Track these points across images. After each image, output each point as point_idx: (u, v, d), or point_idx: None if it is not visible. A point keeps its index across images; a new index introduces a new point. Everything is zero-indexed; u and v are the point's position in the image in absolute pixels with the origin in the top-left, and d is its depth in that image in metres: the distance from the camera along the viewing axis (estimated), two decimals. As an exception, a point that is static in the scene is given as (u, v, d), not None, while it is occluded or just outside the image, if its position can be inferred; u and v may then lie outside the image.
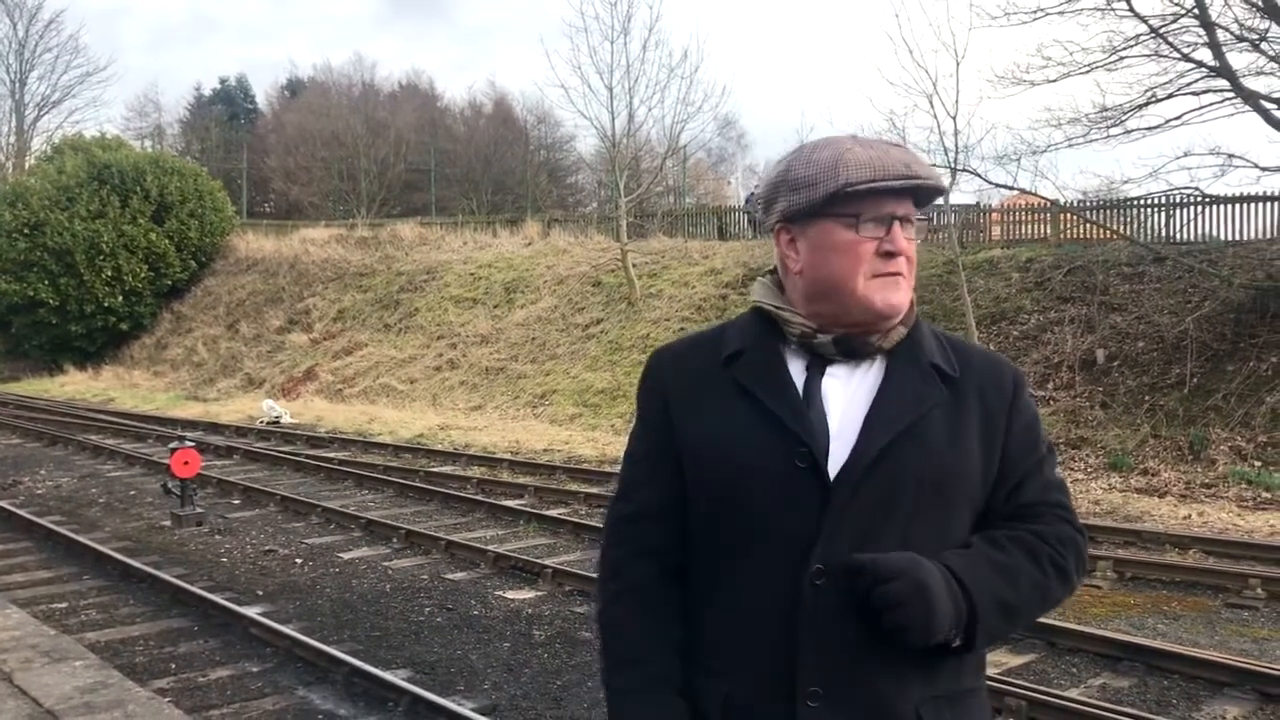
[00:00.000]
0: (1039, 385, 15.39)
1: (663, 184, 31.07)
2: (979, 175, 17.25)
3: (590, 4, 37.37)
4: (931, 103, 16.92)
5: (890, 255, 1.63)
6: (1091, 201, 19.62)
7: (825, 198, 1.62)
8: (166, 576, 8.87)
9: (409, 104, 47.90)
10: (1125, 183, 16.39)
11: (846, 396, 1.64)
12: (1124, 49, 15.18)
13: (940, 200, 1.65)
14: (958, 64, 20.84)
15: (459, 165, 42.33)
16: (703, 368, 1.71)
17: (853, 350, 1.66)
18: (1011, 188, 17.35)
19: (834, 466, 1.59)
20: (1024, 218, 21.17)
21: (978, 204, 21.81)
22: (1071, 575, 1.69)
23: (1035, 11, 15.60)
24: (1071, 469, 13.59)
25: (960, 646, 1.59)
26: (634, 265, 22.91)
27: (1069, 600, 8.25)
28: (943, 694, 1.62)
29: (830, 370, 1.66)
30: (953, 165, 16.73)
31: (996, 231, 21.54)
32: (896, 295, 1.64)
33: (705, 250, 23.72)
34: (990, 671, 6.41)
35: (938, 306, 17.67)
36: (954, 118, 16.55)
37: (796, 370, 1.67)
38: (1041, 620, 7.34)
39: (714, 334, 1.77)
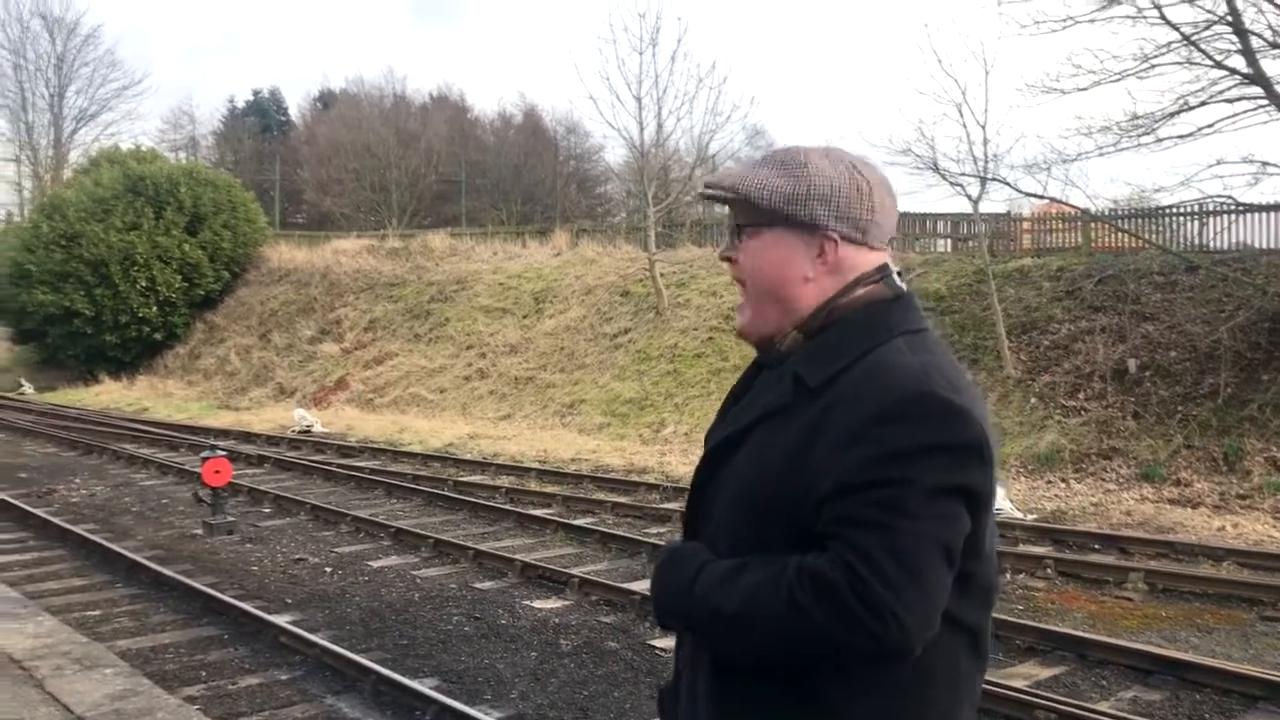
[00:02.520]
0: (1070, 395, 15.27)
1: (691, 193, 31.05)
2: (1008, 184, 17.17)
3: (619, 16, 37.49)
4: (960, 111, 16.91)
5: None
6: (1123, 210, 19.47)
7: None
8: (198, 585, 8.94)
9: (440, 115, 48.19)
10: (1157, 191, 16.18)
11: None
12: (1156, 57, 15.06)
13: (724, 203, 1.74)
14: (986, 73, 20.79)
15: (489, 176, 42.57)
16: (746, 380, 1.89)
17: (769, 358, 1.75)
18: (1042, 196, 17.26)
19: None
20: (1055, 226, 21.04)
21: (1008, 213, 21.71)
22: (808, 611, 1.49)
23: (1065, 20, 15.52)
24: (1103, 479, 13.47)
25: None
26: (662, 275, 22.93)
27: (1099, 612, 8.19)
28: (746, 695, 1.63)
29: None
30: (982, 174, 16.66)
31: (1027, 240, 21.41)
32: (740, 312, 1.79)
33: (734, 260, 23.70)
34: (1019, 684, 6.36)
35: (967, 316, 17.58)
36: (983, 126, 16.56)
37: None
38: (1071, 632, 7.30)
39: None
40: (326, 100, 54.97)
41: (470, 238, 32.02)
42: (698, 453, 1.93)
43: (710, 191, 1.74)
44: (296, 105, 57.86)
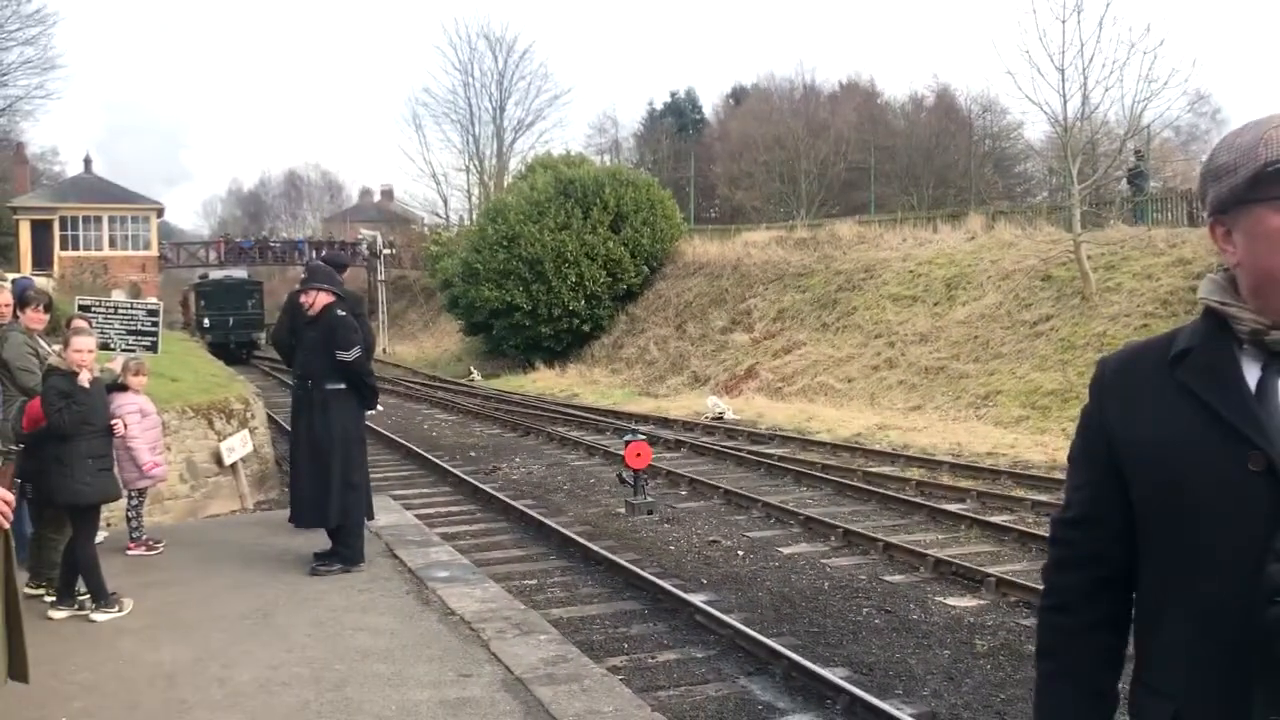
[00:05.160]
0: None
1: (1122, 168, 28.82)
2: None
3: (1040, -16, 35.44)
4: None
5: None
6: None
7: (1247, 182, 1.51)
8: (621, 561, 9.46)
9: (849, 103, 48.08)
10: None
11: None
12: None
13: None
14: None
15: (899, 160, 41.89)
16: (1148, 371, 1.63)
17: None
18: None
19: None
20: None
21: None
22: None
23: None
24: None
25: None
26: (1088, 257, 21.39)
27: None
28: None
29: None
30: None
31: None
32: None
33: (1172, 238, 21.65)
34: None
35: None
36: None
37: (1251, 371, 1.52)
38: None
39: (1165, 337, 1.68)
40: (738, 96, 56.54)
41: (878, 225, 31.59)
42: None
43: None
44: (710, 104, 60.02)
